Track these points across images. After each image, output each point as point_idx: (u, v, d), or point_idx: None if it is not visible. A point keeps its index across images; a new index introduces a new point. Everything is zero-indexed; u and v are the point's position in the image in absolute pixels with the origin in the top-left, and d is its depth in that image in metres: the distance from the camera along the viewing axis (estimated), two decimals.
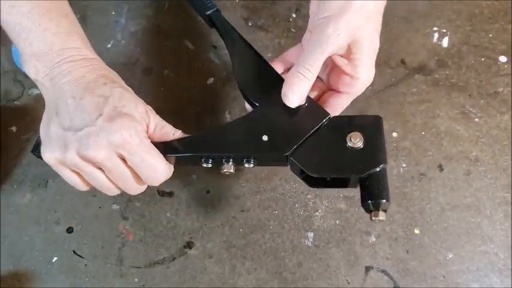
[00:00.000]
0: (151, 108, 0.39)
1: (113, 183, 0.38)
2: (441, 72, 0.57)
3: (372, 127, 0.37)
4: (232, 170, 0.38)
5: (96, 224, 0.51)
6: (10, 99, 0.58)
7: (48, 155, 0.36)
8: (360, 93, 0.42)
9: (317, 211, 0.51)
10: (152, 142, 0.37)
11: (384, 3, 0.39)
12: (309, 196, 0.52)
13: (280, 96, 0.39)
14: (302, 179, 0.39)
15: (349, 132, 0.37)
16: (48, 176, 0.54)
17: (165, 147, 0.38)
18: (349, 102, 0.42)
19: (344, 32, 0.36)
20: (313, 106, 0.39)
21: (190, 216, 0.51)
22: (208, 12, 0.45)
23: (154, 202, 0.52)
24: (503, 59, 0.58)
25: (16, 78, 0.60)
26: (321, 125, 0.38)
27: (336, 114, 0.40)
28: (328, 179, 0.38)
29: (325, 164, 0.36)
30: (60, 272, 0.49)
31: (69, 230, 0.51)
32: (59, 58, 0.36)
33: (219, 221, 0.51)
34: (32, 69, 0.36)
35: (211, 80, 0.59)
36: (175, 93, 0.58)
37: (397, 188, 0.51)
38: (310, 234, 0.50)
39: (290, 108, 0.39)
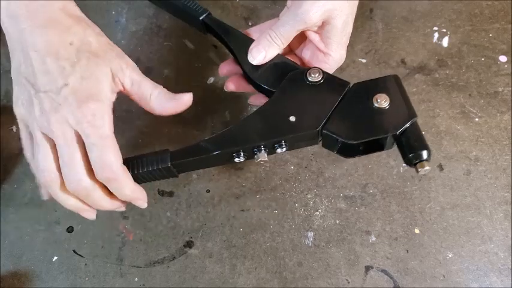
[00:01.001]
0: (129, 61, 0.37)
1: (60, 171, 0.34)
2: (441, 72, 0.57)
3: (393, 86, 0.38)
4: (266, 158, 0.38)
5: (96, 224, 0.51)
6: (10, 99, 0.58)
7: (17, 108, 0.36)
8: (332, 71, 0.43)
9: (317, 211, 0.51)
10: (179, 152, 0.37)
11: None
12: (309, 196, 0.52)
13: (298, 78, 0.40)
14: (337, 152, 0.39)
15: (374, 95, 0.37)
16: None
17: (194, 150, 0.38)
18: None
19: (320, 12, 0.39)
20: (331, 78, 0.40)
21: (190, 216, 0.51)
22: (201, 18, 0.45)
23: (154, 202, 0.52)
24: (503, 58, 0.58)
25: None
26: (344, 94, 0.38)
27: None
28: (362, 146, 0.39)
29: (359, 129, 0.37)
30: (60, 272, 0.49)
31: (69, 230, 0.51)
32: None
33: (219, 221, 0.51)
34: None
35: (211, 80, 0.59)
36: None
37: (397, 187, 0.51)
38: (310, 234, 0.50)
39: (310, 86, 0.40)
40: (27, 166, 0.54)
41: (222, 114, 0.57)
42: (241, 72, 0.44)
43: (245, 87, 0.45)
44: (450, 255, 0.48)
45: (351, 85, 0.39)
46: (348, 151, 0.39)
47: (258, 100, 0.47)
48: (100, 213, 0.52)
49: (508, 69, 0.57)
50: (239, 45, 0.43)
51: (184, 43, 0.62)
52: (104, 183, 0.35)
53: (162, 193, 0.53)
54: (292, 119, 0.38)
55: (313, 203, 0.51)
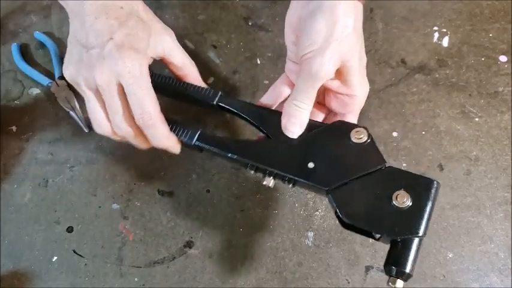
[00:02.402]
0: (171, 33, 0.41)
1: (106, 117, 0.39)
2: (441, 72, 0.57)
3: (424, 191, 0.34)
4: (271, 185, 0.38)
5: (96, 224, 0.51)
6: (10, 99, 0.58)
7: (66, 69, 0.39)
8: (361, 108, 0.42)
9: (317, 210, 0.51)
10: (206, 137, 0.40)
11: (361, 18, 0.39)
12: (309, 196, 0.52)
13: (342, 130, 0.38)
14: (335, 215, 0.37)
15: (399, 189, 0.34)
16: (48, 176, 0.54)
17: (219, 143, 0.39)
18: (356, 120, 0.43)
19: (332, 63, 0.37)
20: (371, 148, 0.37)
21: (190, 216, 0.51)
22: (215, 102, 0.43)
23: (154, 202, 0.52)
24: (503, 58, 0.58)
25: (16, 78, 0.60)
26: (373, 171, 0.36)
27: None
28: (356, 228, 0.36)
29: (361, 213, 0.35)
30: (60, 272, 0.49)
31: (69, 230, 0.51)
32: None
33: (219, 221, 0.51)
34: None
35: (211, 80, 0.59)
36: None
37: None
38: (310, 234, 0.50)
39: (345, 142, 0.38)
40: (27, 166, 0.55)
41: (222, 114, 0.57)
42: None
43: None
44: (450, 255, 0.48)
45: (385, 166, 0.36)
46: (342, 222, 0.37)
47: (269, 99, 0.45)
48: (100, 213, 0.52)
49: (508, 69, 0.57)
50: (260, 119, 0.42)
51: (184, 43, 0.62)
52: (142, 129, 0.38)
53: (162, 193, 0.53)
54: (311, 165, 0.37)
55: (313, 203, 0.51)
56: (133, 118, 0.38)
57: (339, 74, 0.39)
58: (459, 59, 0.58)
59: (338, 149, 0.38)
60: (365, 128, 0.38)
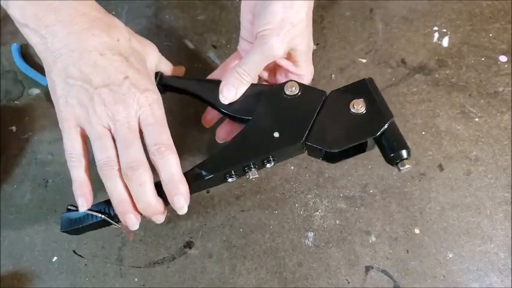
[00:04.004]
0: (156, 51, 0.44)
1: (116, 156, 0.37)
2: (441, 72, 0.57)
3: (367, 89, 0.39)
4: (257, 175, 0.39)
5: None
6: (10, 99, 0.58)
7: (67, 105, 0.37)
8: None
9: (317, 211, 0.51)
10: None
11: (312, 7, 0.42)
12: (309, 196, 0.52)
13: (276, 93, 0.41)
14: (322, 159, 0.40)
15: (350, 101, 0.38)
16: (48, 176, 0.54)
17: (190, 176, 0.39)
18: None
19: (285, 43, 0.41)
20: (308, 90, 0.41)
21: (190, 216, 0.51)
22: (156, 83, 0.44)
23: None
24: (503, 58, 0.58)
25: (16, 78, 0.60)
26: (322, 104, 0.40)
27: None
28: (345, 151, 0.39)
29: (340, 137, 0.38)
30: (60, 272, 0.49)
31: None
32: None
33: (219, 221, 0.51)
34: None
35: None
36: (175, 92, 0.58)
37: (397, 187, 0.51)
38: (310, 234, 0.50)
39: (288, 99, 0.41)
40: (27, 166, 0.55)
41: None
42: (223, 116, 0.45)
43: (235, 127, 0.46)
44: (450, 256, 0.48)
45: (328, 94, 0.40)
46: (332, 157, 0.40)
47: (223, 131, 0.47)
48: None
49: (508, 69, 0.57)
50: (208, 91, 0.43)
51: (184, 43, 0.62)
52: (155, 158, 0.37)
53: None
54: (276, 134, 0.39)
55: (313, 203, 0.51)
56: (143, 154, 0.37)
57: (289, 56, 0.43)
58: (459, 59, 0.58)
59: (286, 108, 0.40)
60: (293, 81, 0.41)
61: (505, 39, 0.59)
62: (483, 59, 0.58)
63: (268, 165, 0.39)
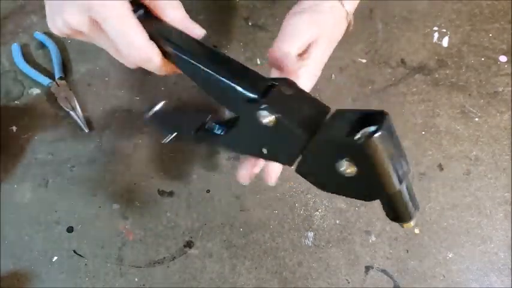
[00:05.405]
0: None
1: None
2: (441, 72, 0.57)
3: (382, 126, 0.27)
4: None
5: (96, 224, 0.51)
6: (10, 99, 0.58)
7: (49, 25, 0.34)
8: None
9: (317, 210, 0.51)
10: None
11: (343, 28, 0.41)
12: (309, 196, 0.52)
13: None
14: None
15: (341, 159, 0.28)
16: (48, 176, 0.54)
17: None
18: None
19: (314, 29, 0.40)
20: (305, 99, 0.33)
21: (190, 216, 0.51)
22: None
23: (154, 202, 0.52)
24: (503, 58, 0.58)
25: (16, 78, 0.60)
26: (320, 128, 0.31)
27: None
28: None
29: (332, 181, 0.30)
30: (60, 272, 0.49)
31: (69, 230, 0.51)
32: None
33: (219, 221, 0.51)
34: None
35: None
36: (175, 93, 0.58)
37: None
38: (310, 234, 0.50)
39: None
40: (27, 166, 0.55)
41: (222, 113, 0.57)
42: None
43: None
44: (450, 255, 0.48)
45: (331, 113, 0.32)
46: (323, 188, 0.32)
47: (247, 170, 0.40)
48: (100, 213, 0.52)
49: (508, 69, 0.57)
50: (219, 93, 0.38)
51: None
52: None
53: (162, 193, 0.53)
54: (265, 151, 0.34)
55: (313, 203, 0.51)
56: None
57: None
58: (459, 59, 0.58)
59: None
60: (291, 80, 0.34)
61: (505, 39, 0.59)
62: (483, 59, 0.58)
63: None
